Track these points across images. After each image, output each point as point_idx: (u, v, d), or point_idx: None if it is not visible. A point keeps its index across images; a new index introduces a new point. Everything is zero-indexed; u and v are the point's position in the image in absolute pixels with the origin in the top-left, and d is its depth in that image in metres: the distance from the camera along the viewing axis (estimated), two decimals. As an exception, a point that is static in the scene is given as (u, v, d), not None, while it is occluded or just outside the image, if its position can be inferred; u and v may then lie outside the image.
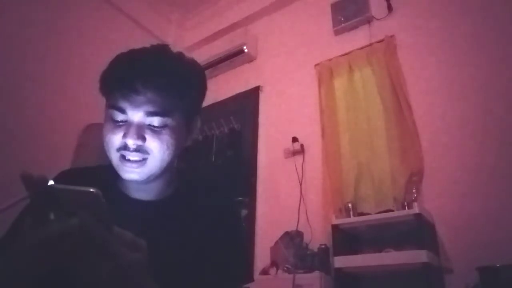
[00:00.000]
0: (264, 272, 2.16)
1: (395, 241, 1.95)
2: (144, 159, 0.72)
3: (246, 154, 2.90)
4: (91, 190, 0.46)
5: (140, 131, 0.71)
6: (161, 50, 0.78)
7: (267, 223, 2.55)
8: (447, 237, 1.91)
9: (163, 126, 0.73)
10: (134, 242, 0.51)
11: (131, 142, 0.70)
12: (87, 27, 2.91)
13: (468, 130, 2.05)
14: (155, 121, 0.72)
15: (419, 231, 1.82)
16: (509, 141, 1.92)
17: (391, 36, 2.48)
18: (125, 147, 0.72)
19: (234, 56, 3.20)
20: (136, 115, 0.71)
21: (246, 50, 3.15)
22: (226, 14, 3.45)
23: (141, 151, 0.72)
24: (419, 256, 1.71)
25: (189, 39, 3.57)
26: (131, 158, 0.72)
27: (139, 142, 0.71)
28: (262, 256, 2.35)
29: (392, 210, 2.04)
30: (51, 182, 0.46)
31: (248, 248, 2.37)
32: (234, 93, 3.11)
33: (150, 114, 0.71)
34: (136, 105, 0.71)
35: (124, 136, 0.71)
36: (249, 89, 3.10)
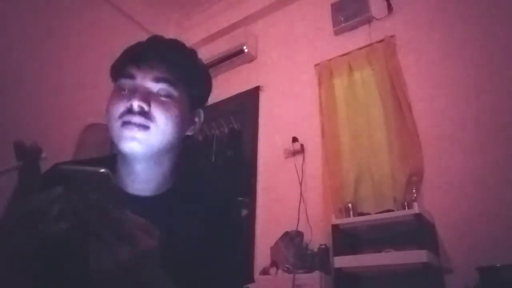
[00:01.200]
0: (264, 272, 2.16)
1: (395, 241, 1.95)
2: (147, 126, 0.71)
3: (246, 154, 2.90)
4: (102, 170, 0.45)
5: (147, 96, 0.72)
6: (174, 39, 0.85)
7: (267, 223, 2.55)
8: (447, 237, 1.91)
9: (169, 96, 0.75)
10: (148, 227, 0.51)
11: (137, 104, 0.70)
12: (87, 26, 2.91)
13: (469, 130, 2.05)
14: (162, 89, 0.74)
15: (419, 231, 1.82)
16: (510, 141, 1.92)
17: (391, 36, 2.48)
18: (129, 110, 0.71)
19: (234, 56, 3.20)
20: (144, 81, 0.73)
21: (246, 50, 3.15)
22: (226, 14, 3.45)
23: (145, 116, 0.71)
24: (419, 256, 1.71)
25: (189, 39, 3.55)
26: (134, 121, 0.71)
27: (145, 105, 0.71)
28: (262, 256, 2.35)
29: (392, 210, 2.04)
30: (44, 154, 0.45)
31: (248, 248, 2.37)
32: (234, 93, 3.11)
33: (158, 80, 0.74)
34: (146, 72, 0.74)
35: (130, 99, 0.71)
36: (249, 89, 3.09)
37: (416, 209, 1.84)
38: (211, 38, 3.43)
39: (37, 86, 2.48)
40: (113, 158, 0.81)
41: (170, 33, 3.56)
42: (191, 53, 0.84)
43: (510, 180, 1.84)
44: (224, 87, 3.12)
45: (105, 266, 0.47)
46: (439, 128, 2.15)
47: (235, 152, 2.98)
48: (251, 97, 3.06)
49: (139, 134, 0.71)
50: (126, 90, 0.74)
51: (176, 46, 0.82)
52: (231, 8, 3.44)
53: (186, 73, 0.78)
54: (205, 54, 3.19)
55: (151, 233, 0.51)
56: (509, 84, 2.01)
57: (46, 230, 0.46)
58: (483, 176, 1.92)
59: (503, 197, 1.84)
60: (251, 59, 3.23)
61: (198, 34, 3.55)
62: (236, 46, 3.17)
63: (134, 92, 0.72)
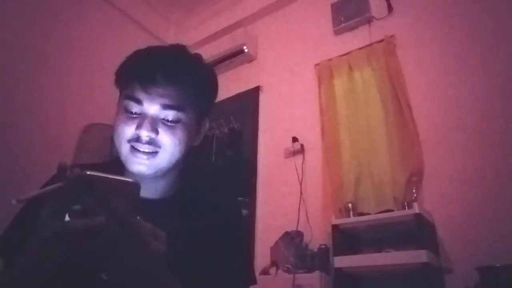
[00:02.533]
0: (264, 272, 2.16)
1: (395, 241, 1.95)
2: (155, 152, 0.73)
3: (246, 154, 2.90)
4: (132, 180, 0.48)
5: (154, 124, 0.72)
6: (180, 48, 0.80)
7: (267, 223, 2.55)
8: (447, 237, 1.91)
9: (177, 121, 0.74)
10: (156, 232, 0.52)
11: (145, 134, 0.71)
12: (87, 27, 2.91)
13: (468, 130, 2.05)
14: (170, 115, 0.73)
15: (419, 231, 1.81)
16: (509, 141, 1.91)
17: (391, 36, 2.48)
18: (137, 139, 0.72)
19: (234, 56, 3.20)
20: (152, 108, 0.72)
21: (246, 50, 3.15)
22: (226, 14, 3.45)
23: (153, 144, 0.72)
24: (419, 256, 1.71)
25: (189, 39, 3.56)
26: (143, 149, 0.72)
27: (153, 135, 0.72)
28: (262, 256, 2.35)
29: (392, 210, 2.03)
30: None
31: (248, 249, 2.37)
32: (234, 93, 3.10)
33: (166, 107, 0.73)
34: (153, 97, 0.72)
35: (138, 127, 0.72)
36: (249, 89, 3.09)
37: (416, 209, 1.83)
38: (211, 38, 3.43)
39: (37, 86, 2.48)
40: (118, 161, 0.82)
41: (170, 33, 3.57)
42: (198, 66, 0.80)
43: (510, 180, 1.84)
44: (224, 87, 3.10)
45: (116, 271, 0.48)
46: (439, 128, 2.15)
47: (235, 152, 2.98)
48: (251, 97, 3.06)
49: (147, 161, 0.72)
50: (133, 114, 0.74)
51: (183, 63, 0.77)
52: (231, 8, 3.44)
53: (194, 93, 0.76)
54: (205, 54, 3.17)
55: (159, 237, 0.52)
56: (510, 84, 2.01)
57: (80, 250, 0.48)
58: (483, 176, 1.92)
59: (503, 197, 1.84)
60: (251, 59, 3.23)
61: (198, 34, 3.55)
62: (236, 46, 3.17)
63: (142, 120, 0.72)
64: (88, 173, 0.46)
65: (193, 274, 0.70)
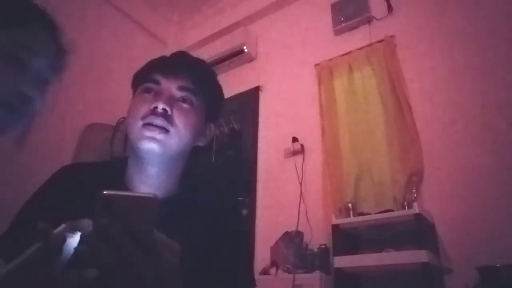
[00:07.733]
0: (264, 272, 2.16)
1: (395, 241, 1.95)
2: (168, 130, 0.75)
3: (246, 154, 2.90)
4: (150, 195, 0.48)
5: (171, 100, 0.77)
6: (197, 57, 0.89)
7: (267, 223, 2.55)
8: (447, 237, 1.91)
9: (190, 104, 0.79)
10: (171, 245, 0.51)
11: (161, 106, 0.74)
12: (86, 27, 2.90)
13: (468, 130, 2.05)
14: (185, 96, 0.79)
15: (419, 231, 1.82)
16: (509, 141, 1.92)
17: (391, 36, 2.48)
18: (152, 111, 0.75)
19: (234, 56, 3.20)
20: (169, 87, 0.78)
21: (246, 50, 3.15)
22: (226, 14, 3.45)
23: (167, 119, 0.75)
24: (419, 256, 1.71)
25: (189, 39, 3.57)
26: (156, 123, 0.74)
27: (168, 108, 0.75)
28: (262, 256, 2.35)
29: (392, 210, 2.04)
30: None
31: (248, 249, 2.37)
32: (234, 93, 3.10)
33: (182, 88, 0.79)
34: (171, 79, 0.79)
35: (154, 101, 0.75)
36: (249, 89, 3.09)
37: (416, 209, 1.84)
38: (211, 38, 3.43)
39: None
40: (124, 160, 0.83)
41: (170, 33, 3.57)
42: (213, 72, 0.91)
43: (510, 180, 1.85)
44: (224, 87, 3.08)
45: (128, 283, 0.47)
46: (439, 128, 2.15)
47: (235, 152, 2.98)
48: (251, 97, 3.05)
49: (159, 136, 0.74)
50: (150, 94, 0.78)
51: (200, 62, 0.87)
52: (231, 8, 3.44)
53: (207, 87, 0.84)
54: (205, 54, 3.19)
55: (173, 250, 0.51)
56: (509, 84, 2.01)
57: None
58: (483, 176, 1.92)
59: (503, 197, 1.84)
60: (251, 59, 3.23)
61: (198, 34, 3.55)
62: (236, 46, 3.17)
63: (159, 95, 0.77)
64: (105, 192, 0.46)
65: (194, 275, 0.70)
